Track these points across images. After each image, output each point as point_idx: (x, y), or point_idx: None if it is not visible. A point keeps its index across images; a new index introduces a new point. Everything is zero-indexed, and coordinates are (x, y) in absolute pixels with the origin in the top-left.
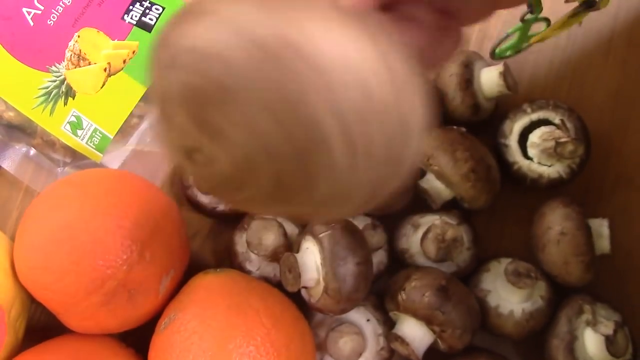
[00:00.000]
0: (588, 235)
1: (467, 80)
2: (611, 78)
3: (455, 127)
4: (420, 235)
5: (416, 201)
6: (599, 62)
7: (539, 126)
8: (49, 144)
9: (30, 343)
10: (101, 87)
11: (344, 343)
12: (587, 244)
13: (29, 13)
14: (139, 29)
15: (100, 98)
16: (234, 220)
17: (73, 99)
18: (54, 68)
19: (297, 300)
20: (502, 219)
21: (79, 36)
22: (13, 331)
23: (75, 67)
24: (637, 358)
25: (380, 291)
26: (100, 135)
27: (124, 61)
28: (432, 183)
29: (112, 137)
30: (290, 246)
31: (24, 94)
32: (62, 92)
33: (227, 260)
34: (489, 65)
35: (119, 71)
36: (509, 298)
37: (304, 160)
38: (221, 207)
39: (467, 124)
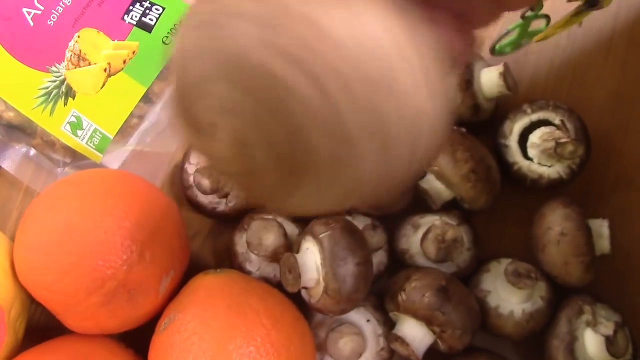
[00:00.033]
0: (588, 236)
1: (467, 81)
2: (611, 78)
3: (455, 127)
4: (420, 236)
5: (416, 201)
6: (599, 63)
7: (539, 127)
8: (49, 144)
9: (30, 343)
10: (101, 88)
11: (344, 343)
12: (587, 244)
13: (29, 13)
14: (139, 29)
15: (100, 98)
16: (234, 220)
17: (73, 99)
18: (54, 68)
19: (297, 300)
20: (502, 220)
21: (79, 36)
22: (13, 331)
23: (75, 68)
24: (637, 358)
25: (380, 291)
26: (100, 136)
27: (124, 61)
28: (432, 183)
29: (112, 137)
30: (290, 246)
31: (24, 94)
32: (62, 93)
33: (227, 260)
34: (489, 65)
35: (119, 71)
36: (509, 298)
37: (288, 122)
38: (221, 207)
39: (467, 125)
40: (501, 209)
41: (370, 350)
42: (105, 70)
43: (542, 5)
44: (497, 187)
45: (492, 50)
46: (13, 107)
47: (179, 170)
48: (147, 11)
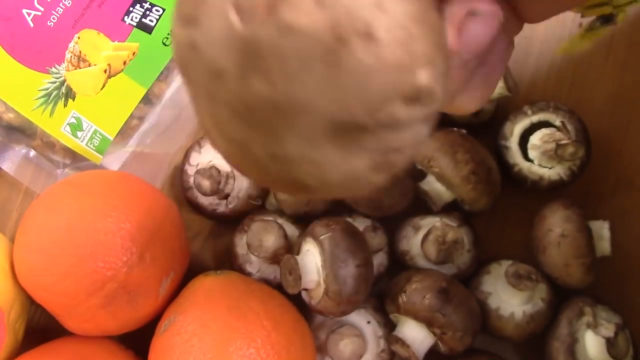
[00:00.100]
0: (589, 238)
1: None
2: (611, 80)
3: (455, 129)
4: (420, 237)
5: (417, 203)
6: (599, 64)
7: (539, 128)
8: (48, 145)
9: (30, 345)
10: (101, 89)
11: (345, 345)
12: (587, 246)
13: (29, 14)
14: (139, 31)
15: (100, 99)
16: (234, 222)
17: (73, 100)
18: (53, 69)
19: (298, 302)
20: (503, 221)
21: (79, 37)
22: (13, 333)
23: (75, 69)
24: None
25: (381, 293)
26: (100, 137)
27: (124, 62)
28: (432, 185)
29: (112, 138)
30: (291, 248)
31: (24, 95)
32: (62, 94)
33: (227, 262)
34: None
35: (119, 73)
36: (510, 300)
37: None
38: (221, 209)
39: (468, 126)
40: (502, 211)
41: (370, 352)
42: (105, 71)
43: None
44: (498, 188)
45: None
46: (13, 109)
47: (179, 171)
48: (148, 12)
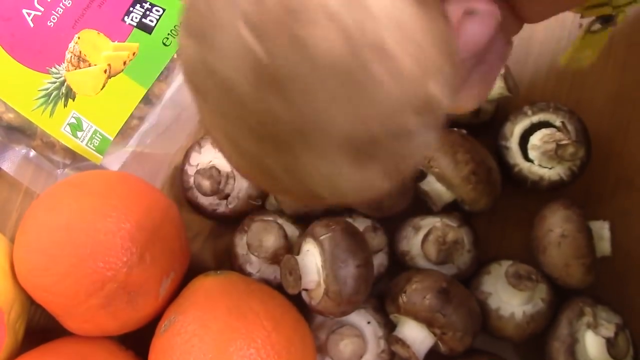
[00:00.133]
0: (589, 238)
1: None
2: (611, 80)
3: (455, 129)
4: (421, 238)
5: (417, 203)
6: (599, 64)
7: (539, 128)
8: (48, 145)
9: (30, 345)
10: (101, 89)
11: (345, 345)
12: (587, 246)
13: (29, 14)
14: (139, 31)
15: (100, 99)
16: (234, 222)
17: (73, 100)
18: (54, 69)
19: (298, 302)
20: (503, 221)
21: (79, 37)
22: (13, 333)
23: (75, 69)
24: None
25: (381, 293)
26: (100, 137)
27: (124, 63)
28: (432, 185)
29: (112, 138)
30: (291, 248)
31: (24, 95)
32: (62, 94)
33: (228, 262)
34: None
35: (119, 73)
36: (510, 300)
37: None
38: (221, 209)
39: (468, 126)
40: (502, 211)
41: (370, 352)
42: (105, 71)
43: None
44: (498, 188)
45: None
46: (13, 109)
47: (179, 171)
48: (148, 12)
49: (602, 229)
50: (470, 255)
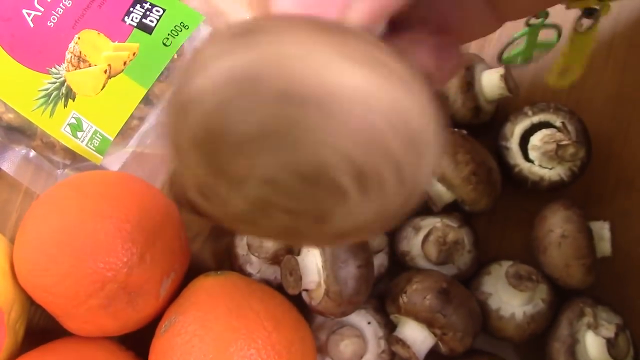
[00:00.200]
0: (589, 238)
1: (468, 83)
2: (612, 81)
3: (456, 129)
4: (421, 238)
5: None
6: (599, 65)
7: (540, 129)
8: (48, 145)
9: (30, 346)
10: (101, 89)
11: (345, 346)
12: (588, 246)
13: (29, 14)
14: (139, 31)
15: (100, 100)
16: None
17: (73, 100)
18: (54, 70)
19: (298, 303)
20: (503, 222)
21: (79, 38)
22: (12, 333)
23: (75, 69)
24: None
25: (381, 294)
26: (101, 137)
27: (125, 63)
28: (433, 186)
29: (112, 139)
30: (291, 249)
31: (24, 95)
32: (62, 94)
33: (228, 262)
34: (489, 67)
35: (120, 73)
36: (510, 301)
37: (315, 200)
38: None
39: (468, 127)
40: (502, 211)
41: (371, 353)
42: (105, 71)
43: (547, 13)
44: (498, 189)
45: (500, 59)
46: (13, 109)
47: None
48: (148, 13)
49: (602, 230)
50: (471, 255)
